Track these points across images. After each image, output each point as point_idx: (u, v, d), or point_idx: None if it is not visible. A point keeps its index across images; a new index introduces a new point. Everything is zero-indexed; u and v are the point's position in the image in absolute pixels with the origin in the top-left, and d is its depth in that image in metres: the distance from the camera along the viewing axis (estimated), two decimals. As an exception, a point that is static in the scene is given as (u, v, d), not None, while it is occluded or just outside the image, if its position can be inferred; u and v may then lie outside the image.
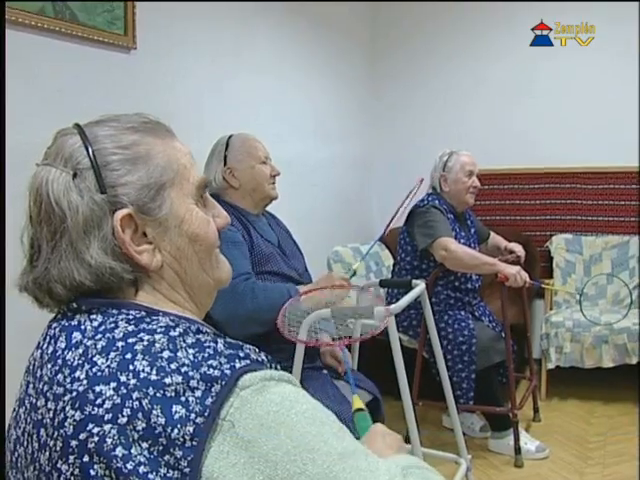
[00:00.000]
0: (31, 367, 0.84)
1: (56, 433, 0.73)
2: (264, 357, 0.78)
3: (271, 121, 3.59)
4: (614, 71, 4.24)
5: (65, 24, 2.35)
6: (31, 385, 0.82)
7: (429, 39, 4.78)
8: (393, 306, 2.19)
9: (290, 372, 2.05)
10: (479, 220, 3.73)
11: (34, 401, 0.79)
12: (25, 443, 0.79)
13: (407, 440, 2.28)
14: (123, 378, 0.71)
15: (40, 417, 0.77)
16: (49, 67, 2.34)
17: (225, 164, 2.39)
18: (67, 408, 0.73)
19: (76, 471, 0.70)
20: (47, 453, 0.74)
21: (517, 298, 3.46)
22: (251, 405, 0.70)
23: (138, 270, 0.84)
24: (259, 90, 3.54)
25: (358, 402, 1.37)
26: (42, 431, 0.76)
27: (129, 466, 0.67)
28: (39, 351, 0.84)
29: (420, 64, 4.83)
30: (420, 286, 2.49)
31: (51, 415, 0.75)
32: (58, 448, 0.72)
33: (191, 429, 0.67)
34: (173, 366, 0.72)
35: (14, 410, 0.85)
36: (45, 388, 0.78)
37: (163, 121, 0.95)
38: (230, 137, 2.45)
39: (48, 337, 0.84)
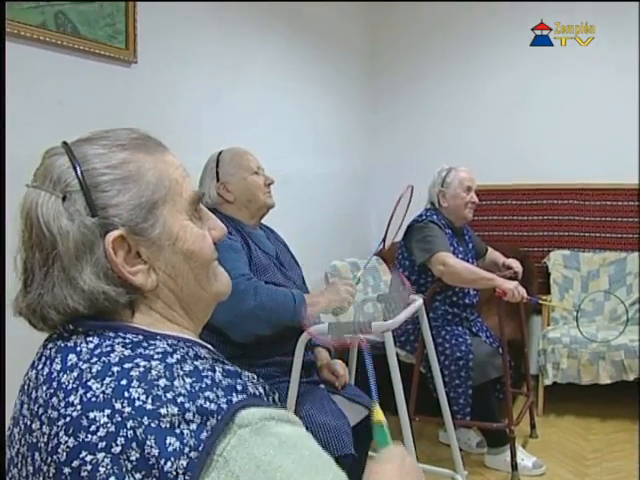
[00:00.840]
0: (26, 387, 0.83)
1: (49, 459, 0.72)
2: (262, 390, 0.77)
3: (270, 135, 3.60)
4: (613, 88, 4.26)
5: (66, 37, 2.36)
6: (25, 406, 0.81)
7: (428, 54, 4.81)
8: (390, 321, 2.19)
9: (287, 386, 2.04)
10: (477, 235, 3.73)
11: (29, 423, 0.78)
12: (19, 465, 0.78)
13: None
14: (118, 405, 0.70)
15: (35, 440, 0.75)
16: (50, 80, 2.35)
17: (218, 180, 2.40)
18: (61, 434, 0.71)
19: None
20: (41, 478, 0.73)
21: (514, 314, 3.46)
22: (249, 445, 0.68)
23: (133, 291, 0.82)
24: (258, 104, 3.56)
25: (378, 414, 1.26)
26: (37, 455, 0.75)
27: None
28: (34, 372, 0.82)
29: (419, 79, 4.85)
30: (418, 302, 2.49)
31: (45, 440, 0.74)
32: (51, 474, 0.71)
33: (184, 463, 0.66)
34: (169, 395, 0.70)
35: (9, 428, 0.84)
36: (40, 411, 0.76)
37: (159, 134, 0.94)
38: (220, 153, 2.46)
39: (44, 358, 0.82)
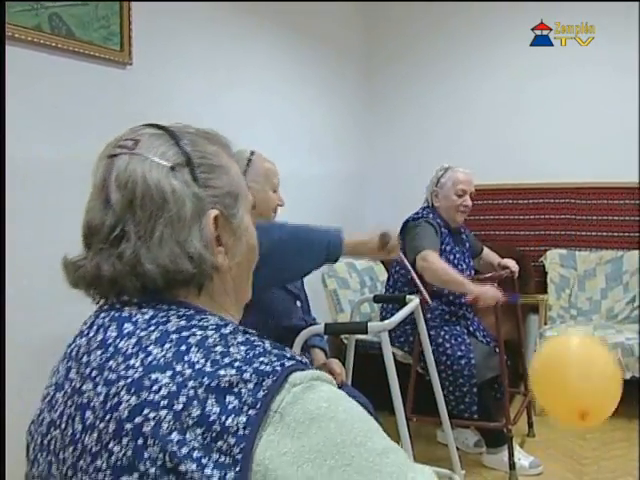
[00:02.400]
0: (74, 354, 0.86)
1: (108, 416, 0.75)
2: (307, 361, 0.81)
3: (266, 136, 3.60)
4: (611, 87, 4.26)
5: (61, 40, 2.37)
6: (73, 370, 0.84)
7: (424, 55, 4.82)
8: (387, 322, 2.19)
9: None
10: (473, 235, 3.74)
11: (78, 385, 0.81)
12: (63, 425, 0.81)
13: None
14: (179, 368, 0.74)
15: (86, 401, 0.79)
16: (45, 82, 2.35)
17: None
18: (122, 393, 0.75)
19: (129, 452, 0.72)
20: (95, 434, 0.76)
21: (511, 313, 3.47)
22: (303, 401, 0.72)
23: (213, 269, 0.88)
24: (254, 106, 3.56)
25: None
26: (88, 413, 0.78)
27: (184, 450, 0.70)
28: (84, 339, 0.86)
29: (415, 80, 4.86)
30: (414, 302, 2.50)
31: (101, 399, 0.77)
32: (110, 430, 0.75)
33: (244, 419, 0.70)
34: (226, 360, 0.75)
35: (48, 395, 0.87)
36: (93, 373, 0.80)
37: None
38: (252, 153, 2.44)
39: (96, 326, 0.86)
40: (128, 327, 0.81)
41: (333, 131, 4.45)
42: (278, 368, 0.74)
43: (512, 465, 3.03)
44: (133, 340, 0.79)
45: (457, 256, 3.33)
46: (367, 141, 4.95)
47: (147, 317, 0.82)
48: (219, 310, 0.90)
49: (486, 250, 3.68)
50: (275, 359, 0.76)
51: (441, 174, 3.37)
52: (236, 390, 0.72)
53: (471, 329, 3.34)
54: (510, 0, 4.48)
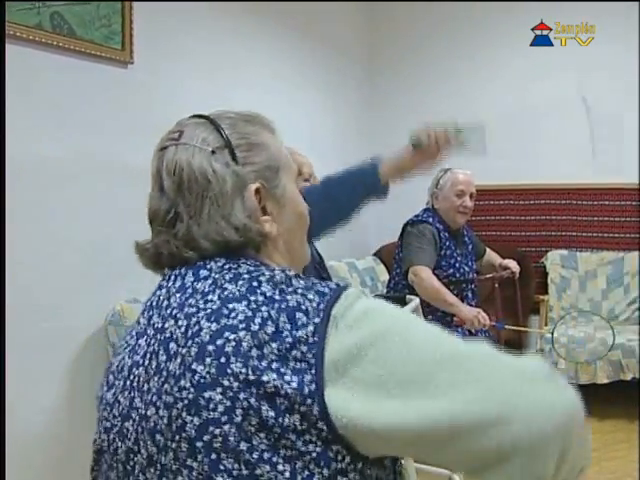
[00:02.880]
0: (154, 304, 0.94)
1: (190, 342, 0.83)
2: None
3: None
4: (612, 87, 4.26)
5: (63, 38, 2.37)
6: (155, 316, 0.92)
7: (426, 54, 4.81)
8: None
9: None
10: (476, 236, 3.73)
11: (160, 325, 0.89)
12: (147, 362, 0.88)
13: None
14: (253, 298, 0.84)
15: (168, 335, 0.86)
16: (46, 81, 2.35)
17: None
18: (202, 322, 0.83)
19: (212, 370, 0.79)
20: (178, 359, 0.83)
21: (512, 314, 3.46)
22: (357, 303, 0.83)
23: (261, 236, 0.96)
24: (256, 105, 3.51)
25: None
26: (172, 344, 0.85)
27: (264, 363, 0.78)
28: (163, 290, 0.94)
29: (416, 79, 4.85)
30: (414, 301, 2.48)
31: (183, 329, 0.85)
32: (192, 353, 0.82)
33: (312, 328, 0.79)
34: (291, 289, 0.85)
35: (127, 344, 0.95)
36: (175, 312, 0.88)
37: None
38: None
39: (173, 276, 0.94)
40: (204, 272, 0.91)
41: (335, 131, 4.45)
42: (334, 287, 0.86)
43: (512, 465, 3.02)
44: (209, 281, 0.89)
45: (458, 259, 3.30)
46: (369, 142, 4.94)
47: (220, 264, 0.91)
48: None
49: (488, 251, 3.66)
50: (332, 284, 0.87)
51: (440, 175, 3.35)
52: (303, 307, 0.82)
53: (472, 330, 3.33)
54: (511, 0, 4.47)
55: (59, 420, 2.45)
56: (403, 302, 2.57)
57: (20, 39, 2.21)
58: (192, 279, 0.91)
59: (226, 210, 0.92)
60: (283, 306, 0.82)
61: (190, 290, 0.89)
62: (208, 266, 0.91)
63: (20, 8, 2.21)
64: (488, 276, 3.25)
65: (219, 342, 0.81)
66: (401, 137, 4.89)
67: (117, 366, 0.95)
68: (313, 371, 0.78)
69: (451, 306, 3.05)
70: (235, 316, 0.82)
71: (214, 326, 0.82)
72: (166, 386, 0.83)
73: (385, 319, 0.83)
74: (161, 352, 0.86)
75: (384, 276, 4.24)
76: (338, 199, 2.05)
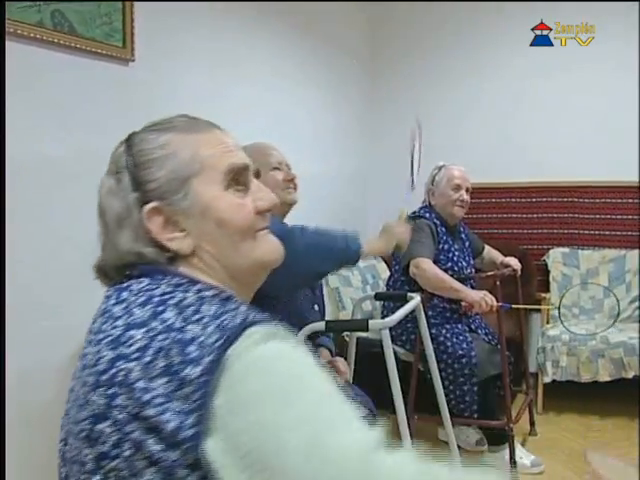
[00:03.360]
0: (90, 327, 0.94)
1: (92, 370, 0.83)
2: (281, 326, 0.84)
3: (269, 134, 3.58)
4: (613, 85, 4.26)
5: (63, 36, 2.36)
6: (87, 340, 0.92)
7: (427, 54, 4.81)
8: (387, 319, 2.19)
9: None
10: (475, 233, 3.73)
11: (86, 349, 0.90)
12: (75, 388, 0.89)
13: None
14: (153, 324, 0.81)
15: (86, 362, 0.87)
16: (47, 79, 2.35)
17: None
18: (103, 349, 0.83)
19: (103, 401, 0.79)
20: (85, 387, 0.84)
21: (513, 311, 3.46)
22: (253, 351, 0.77)
23: (174, 254, 0.94)
24: (257, 102, 3.56)
25: None
26: (85, 371, 0.86)
27: (147, 396, 0.76)
28: (97, 311, 0.94)
29: (418, 78, 4.85)
30: (415, 299, 2.49)
31: (91, 357, 0.85)
32: (91, 382, 0.82)
33: (202, 367, 0.75)
34: (196, 317, 0.82)
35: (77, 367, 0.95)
36: (93, 337, 0.88)
37: None
38: (243, 148, 2.41)
39: (105, 298, 0.94)
40: (124, 295, 0.90)
41: (336, 130, 4.45)
42: (239, 322, 0.80)
43: (513, 464, 3.03)
44: (124, 305, 0.88)
45: (456, 254, 3.33)
46: (370, 140, 4.95)
47: (141, 286, 0.90)
48: (215, 283, 0.94)
49: (488, 248, 3.68)
50: (242, 316, 0.82)
51: (436, 172, 3.42)
52: (199, 341, 0.78)
53: (473, 326, 3.34)
54: (511, 0, 4.46)
55: (59, 418, 2.45)
56: (404, 300, 2.58)
57: (21, 37, 2.21)
58: (113, 302, 0.90)
59: (115, 238, 0.95)
60: (179, 337, 0.79)
61: (107, 314, 0.89)
62: (131, 287, 0.91)
63: (21, 6, 2.20)
64: (490, 274, 3.25)
65: (112, 372, 0.80)
66: (402, 135, 4.91)
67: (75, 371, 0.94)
68: (195, 415, 0.74)
69: (457, 292, 3.09)
70: (131, 344, 0.80)
71: (111, 354, 0.82)
72: (77, 415, 0.84)
73: (275, 379, 0.75)
74: (81, 380, 0.86)
75: (385, 274, 4.24)
76: (310, 263, 1.96)
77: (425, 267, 3.10)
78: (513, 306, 3.16)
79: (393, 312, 2.59)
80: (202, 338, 0.78)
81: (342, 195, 4.56)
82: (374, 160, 4.95)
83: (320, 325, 2.10)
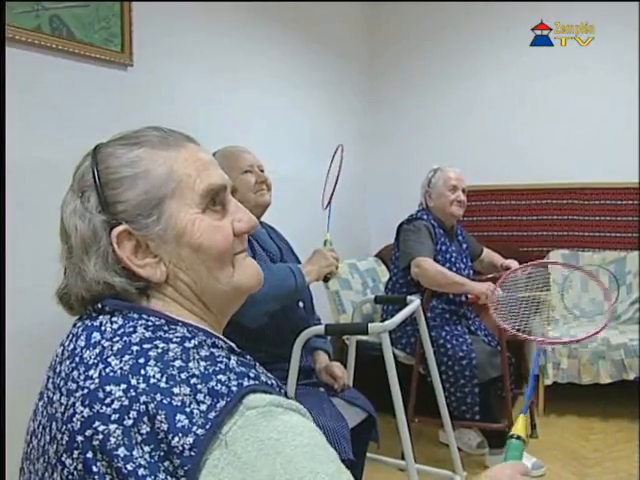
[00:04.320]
0: (53, 362, 0.87)
1: (64, 427, 0.75)
2: (274, 382, 0.79)
3: (268, 137, 3.60)
4: (612, 86, 4.26)
5: (62, 41, 2.36)
6: (50, 380, 0.84)
7: (426, 57, 4.81)
8: (387, 322, 2.19)
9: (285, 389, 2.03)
10: (474, 236, 3.74)
11: (51, 395, 0.82)
12: (39, 436, 0.81)
13: (402, 457, 2.27)
14: (133, 381, 0.73)
15: (54, 411, 0.79)
16: (45, 84, 2.35)
17: None
18: (77, 404, 0.75)
19: (79, 466, 0.72)
20: (55, 446, 0.76)
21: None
22: (254, 427, 0.70)
23: (144, 282, 0.86)
24: (256, 106, 3.56)
25: (521, 426, 1.21)
26: (54, 424, 0.78)
27: (129, 467, 0.68)
28: (61, 348, 0.87)
29: (417, 81, 4.85)
30: (415, 302, 2.49)
31: (62, 409, 0.77)
32: (64, 442, 0.74)
33: (191, 440, 0.68)
34: (183, 376, 0.73)
35: (35, 403, 0.88)
36: (61, 383, 0.80)
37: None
38: (214, 154, 2.43)
39: (71, 335, 0.86)
40: (96, 337, 0.81)
41: (335, 132, 4.45)
42: (234, 388, 0.73)
43: (514, 466, 3.02)
44: (97, 350, 0.79)
45: (454, 255, 3.35)
46: (369, 141, 4.95)
47: (115, 327, 0.81)
48: (189, 316, 0.88)
49: (488, 251, 3.68)
50: (234, 378, 0.74)
51: (431, 175, 3.46)
52: (188, 410, 0.70)
53: (472, 328, 3.34)
54: (511, 0, 4.47)
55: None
56: (404, 303, 2.58)
57: (19, 42, 2.21)
58: (83, 344, 0.82)
59: (80, 265, 0.86)
60: (166, 401, 0.71)
61: (77, 359, 0.80)
62: (103, 327, 0.82)
63: (19, 11, 2.21)
64: (489, 276, 3.26)
65: (88, 433, 0.72)
66: (402, 137, 4.92)
67: (28, 426, 0.88)
68: None
69: (462, 285, 3.11)
70: (110, 403, 0.72)
71: (86, 412, 0.73)
72: (47, 475, 0.77)
73: (279, 468, 0.68)
74: (47, 430, 0.79)
75: (386, 277, 4.23)
76: (264, 308, 2.07)
77: (427, 266, 3.11)
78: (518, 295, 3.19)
79: (393, 315, 2.59)
80: (193, 406, 0.70)
81: (343, 197, 4.55)
82: (373, 162, 4.95)
83: (320, 329, 2.10)
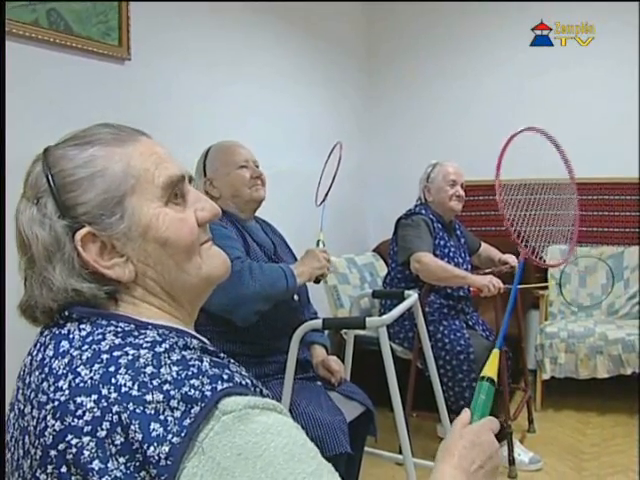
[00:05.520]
0: (21, 373, 0.85)
1: (37, 441, 0.73)
2: (249, 380, 0.77)
3: (266, 131, 3.60)
4: (612, 81, 4.26)
5: (59, 35, 2.36)
6: (20, 391, 0.82)
7: (425, 52, 4.81)
8: (385, 316, 2.19)
9: (282, 383, 2.03)
10: (471, 231, 3.74)
11: (22, 407, 0.80)
12: (12, 449, 0.80)
13: (400, 451, 2.28)
14: (105, 391, 0.71)
15: (26, 424, 0.77)
16: (43, 78, 2.34)
17: (205, 175, 2.37)
18: (48, 417, 0.73)
19: None
20: (29, 461, 0.74)
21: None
22: (231, 432, 0.69)
23: (114, 284, 0.84)
24: (254, 100, 3.56)
25: (493, 364, 1.12)
26: (26, 438, 0.76)
27: None
28: (29, 357, 0.85)
29: (416, 76, 4.85)
30: (412, 297, 2.49)
31: (34, 423, 0.75)
32: (38, 457, 0.72)
33: (167, 448, 0.67)
34: (155, 383, 0.71)
35: (7, 415, 0.86)
36: (32, 395, 0.78)
37: (153, 131, 0.95)
38: (209, 148, 2.44)
39: (39, 344, 0.84)
40: (64, 345, 0.79)
41: (334, 127, 4.44)
42: (208, 393, 0.71)
43: (512, 460, 3.04)
44: (66, 360, 0.77)
45: (452, 250, 3.35)
46: (368, 136, 4.95)
47: (84, 334, 0.79)
48: (161, 315, 0.87)
49: (485, 246, 3.68)
50: (207, 382, 0.72)
51: (430, 170, 3.46)
52: (162, 417, 0.69)
53: (470, 323, 3.34)
54: (511, 0, 4.47)
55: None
56: (402, 298, 2.58)
57: (17, 36, 2.21)
58: (51, 354, 0.80)
59: (44, 273, 0.83)
60: (138, 410, 0.69)
61: (47, 370, 0.78)
62: (71, 335, 0.80)
63: (16, 5, 2.20)
64: (487, 271, 3.26)
65: (61, 447, 0.70)
66: (400, 133, 4.91)
67: (7, 422, 0.86)
68: None
69: (463, 278, 3.11)
70: (82, 415, 0.70)
71: (58, 425, 0.71)
72: None
73: (259, 472, 0.67)
74: (20, 444, 0.78)
75: (384, 272, 4.23)
76: (254, 307, 2.09)
77: (426, 260, 3.11)
78: (519, 286, 3.19)
79: (391, 310, 2.59)
80: (167, 413, 0.69)
81: (341, 192, 4.55)
82: (372, 157, 4.95)
83: (317, 323, 2.10)
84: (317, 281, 2.33)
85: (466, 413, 1.05)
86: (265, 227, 2.52)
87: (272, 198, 2.50)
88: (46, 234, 0.82)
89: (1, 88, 2.08)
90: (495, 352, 1.14)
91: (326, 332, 2.53)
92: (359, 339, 2.88)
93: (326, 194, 2.59)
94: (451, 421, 2.75)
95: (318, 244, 2.43)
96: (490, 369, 1.11)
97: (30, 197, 0.85)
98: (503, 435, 3.07)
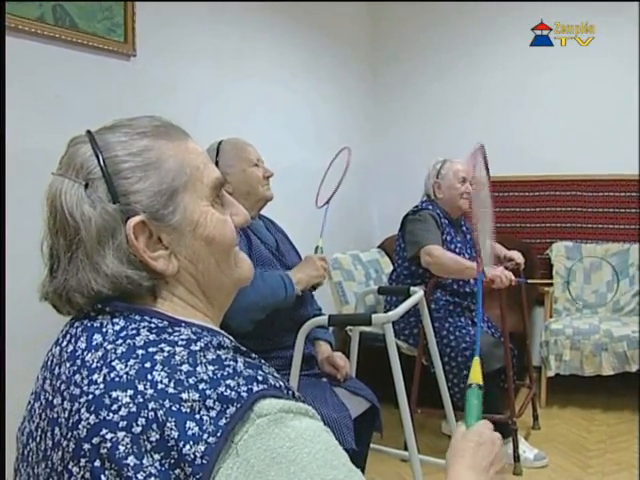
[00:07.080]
0: (49, 363, 0.84)
1: (70, 434, 0.73)
2: (282, 383, 0.77)
3: (272, 128, 3.60)
4: (614, 78, 4.25)
5: (65, 31, 2.36)
6: (48, 381, 0.82)
7: (429, 48, 4.80)
8: (390, 313, 2.19)
9: (288, 379, 2.04)
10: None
11: (50, 398, 0.79)
12: (38, 439, 0.79)
13: (405, 447, 2.28)
14: (140, 387, 0.71)
15: (55, 415, 0.77)
16: (48, 74, 2.34)
17: None
18: (82, 410, 0.73)
19: (87, 474, 0.70)
20: (60, 453, 0.74)
21: (516, 305, 3.46)
22: (266, 435, 0.69)
23: (155, 276, 0.83)
24: (260, 97, 3.55)
25: (476, 371, 1.21)
26: (57, 430, 0.76)
27: (140, 476, 0.67)
28: (58, 348, 0.84)
29: (421, 72, 4.84)
30: (418, 293, 2.49)
31: (66, 415, 0.75)
32: (70, 449, 0.72)
33: (202, 447, 0.67)
34: (191, 381, 0.71)
35: (29, 403, 0.86)
36: (62, 387, 0.78)
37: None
38: (220, 143, 2.44)
39: (69, 335, 0.83)
40: (97, 339, 0.79)
41: (339, 124, 4.44)
42: (244, 394, 0.71)
43: (517, 457, 3.03)
44: (99, 353, 0.77)
45: (459, 246, 3.35)
46: (373, 133, 4.94)
47: (117, 328, 0.79)
48: (194, 314, 0.87)
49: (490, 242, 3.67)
50: (243, 382, 0.72)
51: (439, 166, 3.45)
52: (197, 416, 0.69)
53: (476, 319, 3.34)
54: (512, 0, 4.46)
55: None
56: (407, 294, 2.58)
57: (22, 32, 2.20)
58: (84, 346, 0.79)
59: (95, 258, 0.81)
60: (174, 408, 0.69)
61: (79, 362, 0.78)
62: (104, 329, 0.80)
63: (22, 0, 2.20)
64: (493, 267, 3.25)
65: (95, 441, 0.70)
66: (404, 130, 4.92)
67: (22, 425, 0.86)
68: None
69: (475, 269, 3.09)
70: (117, 410, 0.70)
71: (92, 419, 0.71)
72: None
73: (292, 477, 0.68)
74: (49, 435, 0.77)
75: (389, 268, 4.23)
76: (253, 315, 2.13)
77: (438, 253, 3.10)
78: (529, 281, 3.30)
79: (396, 306, 2.59)
80: (202, 412, 0.69)
81: (346, 188, 4.54)
82: (377, 152, 4.94)
83: (323, 319, 2.10)
84: (314, 288, 2.33)
85: (462, 426, 1.12)
86: (268, 224, 2.53)
87: (277, 195, 2.50)
88: (98, 216, 0.81)
89: (1, 88, 2.08)
90: (476, 359, 1.23)
91: (330, 328, 2.53)
92: (364, 336, 2.88)
93: (329, 198, 2.58)
94: (457, 417, 2.75)
95: (317, 250, 2.44)
96: (475, 375, 1.21)
97: (76, 177, 0.83)
98: (508, 432, 3.07)
